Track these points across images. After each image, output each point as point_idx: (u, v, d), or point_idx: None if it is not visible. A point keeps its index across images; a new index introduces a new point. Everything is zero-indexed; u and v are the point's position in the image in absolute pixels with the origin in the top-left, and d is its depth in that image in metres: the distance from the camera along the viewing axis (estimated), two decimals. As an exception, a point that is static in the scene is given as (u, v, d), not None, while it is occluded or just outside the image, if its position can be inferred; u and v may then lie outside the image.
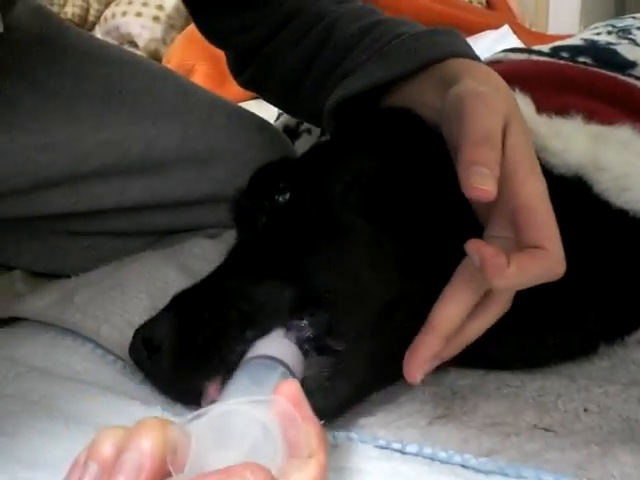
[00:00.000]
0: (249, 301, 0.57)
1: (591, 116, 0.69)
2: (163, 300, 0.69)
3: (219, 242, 0.85)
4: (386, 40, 0.71)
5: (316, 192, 0.65)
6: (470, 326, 0.57)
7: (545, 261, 0.53)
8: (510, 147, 0.56)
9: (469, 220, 0.60)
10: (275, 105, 1.00)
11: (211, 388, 0.54)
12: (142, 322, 0.59)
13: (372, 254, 0.60)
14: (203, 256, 0.81)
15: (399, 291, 0.60)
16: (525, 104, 0.68)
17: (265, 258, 0.62)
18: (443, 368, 0.64)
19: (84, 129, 0.81)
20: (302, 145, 1.07)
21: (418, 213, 0.62)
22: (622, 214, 0.66)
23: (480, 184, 0.52)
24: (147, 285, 0.73)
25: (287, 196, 0.66)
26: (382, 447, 0.55)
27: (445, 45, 0.68)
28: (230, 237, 0.86)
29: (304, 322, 0.55)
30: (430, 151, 0.64)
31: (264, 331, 0.55)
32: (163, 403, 0.58)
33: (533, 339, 0.65)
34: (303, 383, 0.50)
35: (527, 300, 0.59)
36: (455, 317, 0.55)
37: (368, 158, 0.66)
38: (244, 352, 0.53)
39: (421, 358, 0.55)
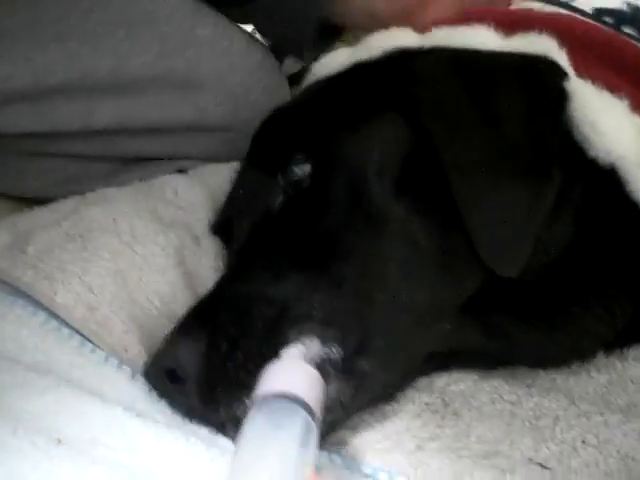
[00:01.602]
0: (276, 308, 0.50)
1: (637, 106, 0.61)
2: (127, 260, 0.62)
3: (194, 182, 0.75)
4: None
5: (345, 170, 0.56)
6: None
7: None
8: None
9: None
10: None
11: None
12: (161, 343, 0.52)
13: (415, 253, 0.54)
14: (176, 202, 0.71)
15: (440, 293, 0.54)
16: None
17: (288, 253, 0.54)
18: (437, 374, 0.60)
19: (46, 37, 0.69)
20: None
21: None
22: None
23: None
24: (111, 238, 0.64)
25: (307, 170, 0.57)
26: (367, 476, 0.50)
27: None
28: (207, 173, 0.78)
29: (334, 339, 0.49)
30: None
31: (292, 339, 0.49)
32: (126, 402, 0.51)
33: (545, 333, 0.61)
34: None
35: (547, 293, 0.58)
36: None
37: (403, 125, 0.57)
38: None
39: None
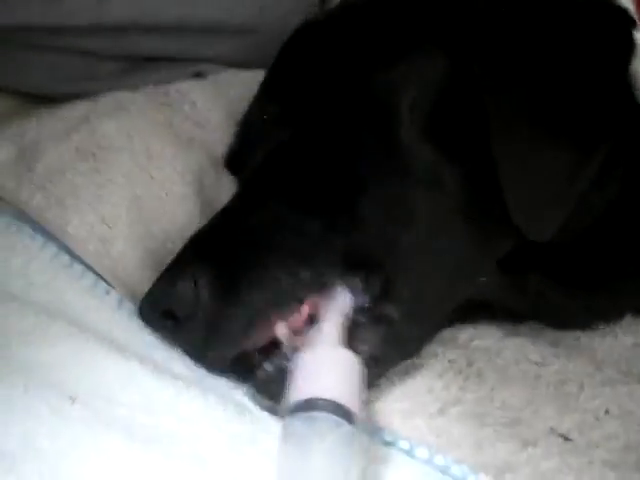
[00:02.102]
0: (291, 246, 0.47)
1: None
2: (143, 186, 0.58)
3: (213, 93, 0.69)
4: None
5: (374, 101, 0.51)
6: None
7: None
8: None
9: None
10: None
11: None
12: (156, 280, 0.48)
13: (442, 200, 0.50)
14: (193, 117, 0.66)
15: (470, 248, 0.51)
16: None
17: (304, 185, 0.50)
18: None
19: None
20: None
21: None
22: None
23: None
24: (126, 159, 0.59)
25: (327, 100, 0.52)
26: (388, 443, 0.49)
27: None
28: (227, 82, 0.72)
29: (359, 285, 0.47)
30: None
31: (318, 277, 0.46)
32: (142, 353, 0.49)
33: (580, 295, 0.58)
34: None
35: (584, 253, 0.56)
36: None
37: (444, 60, 0.52)
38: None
39: None
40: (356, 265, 0.48)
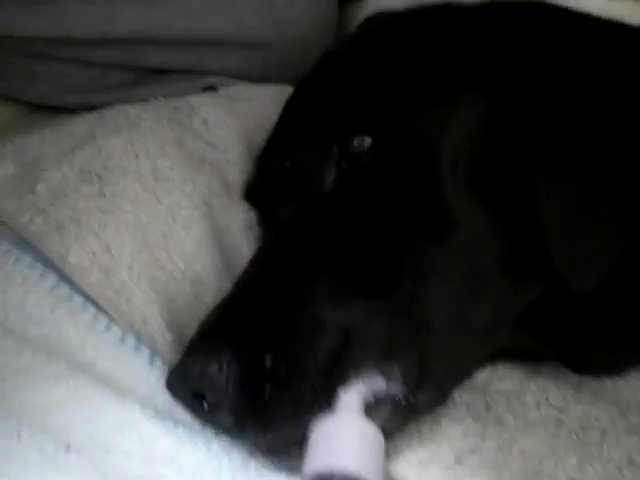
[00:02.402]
0: (333, 333, 0.43)
1: None
2: (150, 212, 0.55)
3: (225, 109, 0.66)
4: None
5: (415, 150, 0.47)
6: None
7: None
8: None
9: None
10: None
11: None
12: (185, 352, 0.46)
13: (484, 261, 0.47)
14: (205, 136, 0.63)
15: (502, 307, 0.48)
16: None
17: (340, 252, 0.46)
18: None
19: None
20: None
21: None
22: None
23: None
24: (132, 182, 0.56)
25: (367, 143, 0.48)
26: (401, 498, 0.47)
27: None
28: (240, 97, 0.69)
29: (397, 374, 0.43)
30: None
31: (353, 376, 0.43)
32: (143, 395, 0.46)
33: (604, 343, 0.55)
34: None
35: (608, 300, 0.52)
36: None
37: (486, 105, 0.48)
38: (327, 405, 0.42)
39: None
40: (393, 349, 0.44)
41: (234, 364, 0.42)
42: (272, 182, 0.54)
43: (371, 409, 0.44)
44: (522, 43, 0.49)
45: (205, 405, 0.43)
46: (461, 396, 0.53)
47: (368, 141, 0.48)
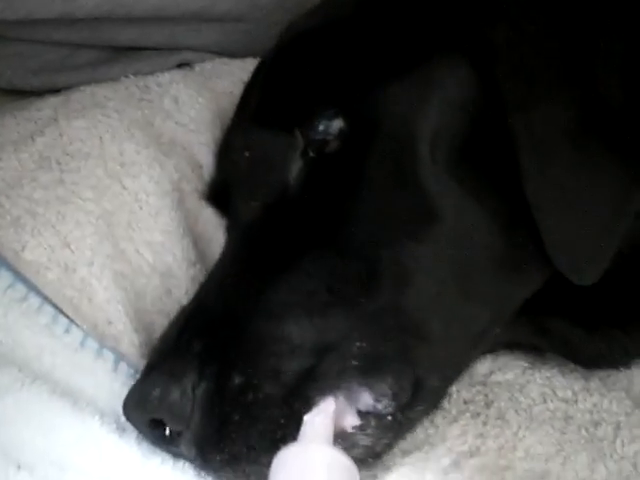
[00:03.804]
0: (303, 350, 0.39)
1: None
2: (114, 199, 0.51)
3: (198, 87, 0.61)
4: None
5: (390, 133, 0.42)
6: None
7: None
8: None
9: None
10: None
11: None
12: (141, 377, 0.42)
13: (474, 256, 0.42)
14: (176, 115, 0.58)
15: (500, 302, 0.43)
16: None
17: (314, 254, 0.41)
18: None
19: None
20: None
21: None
22: None
23: None
24: (95, 166, 0.52)
25: (337, 127, 0.42)
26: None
27: None
28: (215, 73, 0.65)
29: (388, 392, 0.39)
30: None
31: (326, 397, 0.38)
32: (104, 406, 0.42)
33: (606, 337, 0.50)
34: None
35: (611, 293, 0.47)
36: None
37: (470, 77, 0.42)
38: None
39: None
40: (378, 362, 0.40)
41: (198, 388, 0.38)
42: (233, 179, 0.49)
43: (356, 429, 0.40)
44: (506, 11, 0.42)
45: (167, 432, 0.39)
46: (458, 390, 0.49)
47: (336, 124, 0.42)
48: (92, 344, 0.44)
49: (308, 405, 0.38)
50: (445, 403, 0.48)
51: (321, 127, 0.42)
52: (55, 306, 0.45)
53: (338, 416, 0.38)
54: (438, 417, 0.47)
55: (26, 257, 0.47)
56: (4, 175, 0.51)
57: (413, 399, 0.41)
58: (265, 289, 0.41)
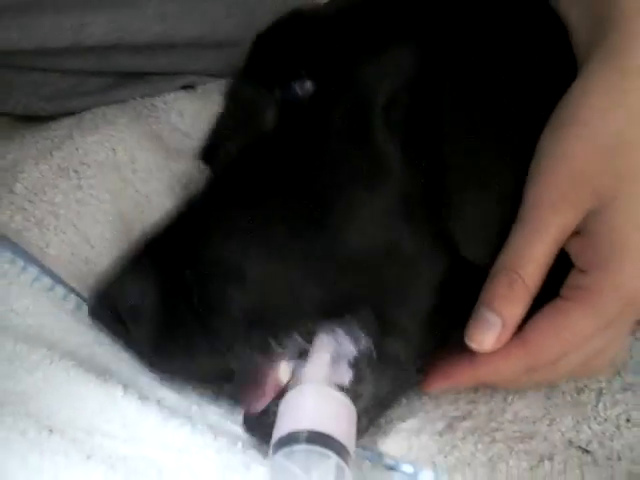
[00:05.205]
0: (255, 284, 0.42)
1: None
2: (128, 201, 0.56)
3: (202, 103, 0.67)
4: None
5: (351, 96, 0.47)
6: None
7: None
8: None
9: None
10: None
11: None
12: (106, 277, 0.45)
13: (415, 209, 0.45)
14: (182, 127, 0.64)
15: (452, 267, 0.45)
16: None
17: (272, 191, 0.46)
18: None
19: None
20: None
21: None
22: None
23: (478, 338, 0.44)
24: (110, 173, 0.57)
25: (308, 88, 0.48)
26: (391, 467, 0.46)
27: None
28: (217, 92, 0.69)
29: (355, 326, 0.43)
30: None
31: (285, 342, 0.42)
32: (127, 378, 0.46)
33: None
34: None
35: None
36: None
37: (420, 58, 0.47)
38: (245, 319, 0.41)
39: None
40: (343, 308, 0.43)
41: (154, 282, 0.42)
42: (223, 133, 0.54)
43: (355, 379, 0.43)
44: (452, 5, 0.49)
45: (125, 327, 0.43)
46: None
47: (309, 86, 0.47)
48: (113, 326, 0.49)
49: (256, 343, 0.42)
50: (439, 374, 0.52)
51: (295, 88, 0.47)
52: (78, 294, 0.50)
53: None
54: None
55: (50, 252, 0.51)
56: (27, 184, 0.56)
57: (382, 333, 0.44)
58: (229, 220, 0.45)
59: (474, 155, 0.44)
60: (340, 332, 0.42)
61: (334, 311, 0.43)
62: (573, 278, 0.44)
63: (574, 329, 0.44)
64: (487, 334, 0.43)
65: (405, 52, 0.47)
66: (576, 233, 0.44)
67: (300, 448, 0.37)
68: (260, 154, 0.48)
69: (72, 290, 0.50)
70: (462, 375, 0.47)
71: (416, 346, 0.46)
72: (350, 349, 0.42)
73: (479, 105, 0.45)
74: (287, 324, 0.42)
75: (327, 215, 0.44)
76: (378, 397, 0.44)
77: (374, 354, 0.43)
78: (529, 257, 0.43)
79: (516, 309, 0.44)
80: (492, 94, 0.46)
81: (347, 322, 0.42)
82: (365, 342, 0.42)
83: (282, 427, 0.38)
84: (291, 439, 0.37)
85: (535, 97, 0.47)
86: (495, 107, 0.45)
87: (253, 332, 0.42)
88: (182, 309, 0.42)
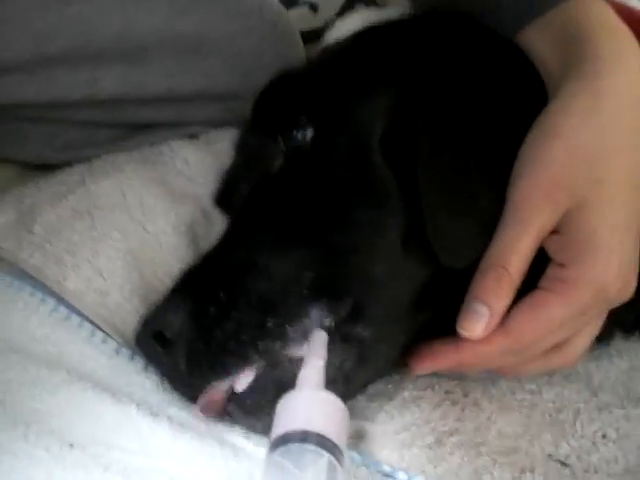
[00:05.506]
0: (268, 280, 0.49)
1: None
2: (138, 240, 0.60)
3: (205, 150, 0.72)
4: None
5: (348, 136, 0.53)
6: None
7: None
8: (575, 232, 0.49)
9: None
10: None
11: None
12: (149, 309, 0.52)
13: (409, 226, 0.51)
14: (187, 173, 0.69)
15: (434, 272, 0.51)
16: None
17: (282, 218, 0.53)
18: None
19: (47, 1, 0.65)
20: (296, 17, 0.90)
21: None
22: None
23: (469, 327, 0.49)
24: (121, 215, 0.61)
25: (309, 134, 0.54)
26: (386, 475, 0.50)
27: None
28: (219, 140, 0.75)
29: (326, 309, 0.49)
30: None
31: (285, 318, 0.48)
32: (139, 397, 0.50)
33: None
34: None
35: None
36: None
37: (403, 99, 0.54)
38: (266, 348, 0.48)
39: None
40: (323, 294, 0.49)
41: (189, 303, 0.48)
42: (234, 179, 0.61)
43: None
44: (425, 50, 0.56)
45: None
46: (439, 384, 0.57)
47: (310, 132, 0.54)
48: (126, 351, 0.53)
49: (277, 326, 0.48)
50: (429, 393, 0.56)
51: (297, 135, 0.54)
52: (93, 323, 0.54)
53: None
54: (423, 404, 0.55)
55: (68, 286, 0.56)
56: (45, 226, 0.60)
57: (353, 316, 0.49)
58: (248, 249, 0.52)
59: (443, 179, 0.51)
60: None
61: (320, 295, 0.49)
62: (552, 271, 0.50)
63: (551, 316, 0.50)
64: (477, 324, 0.49)
65: (389, 93, 0.54)
66: (554, 231, 0.50)
67: (295, 447, 0.40)
68: (270, 192, 0.55)
69: (86, 319, 0.54)
70: (447, 359, 0.52)
71: (388, 334, 0.51)
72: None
73: (447, 135, 0.52)
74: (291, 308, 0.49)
75: (335, 234, 0.51)
76: (343, 371, 0.49)
77: (338, 335, 0.49)
78: (515, 253, 0.49)
79: (503, 301, 0.49)
80: (459, 125, 0.52)
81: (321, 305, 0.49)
82: (329, 323, 0.49)
83: (278, 427, 0.42)
84: (286, 438, 0.41)
85: (500, 124, 0.53)
86: (463, 135, 0.52)
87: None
88: (212, 325, 0.48)
